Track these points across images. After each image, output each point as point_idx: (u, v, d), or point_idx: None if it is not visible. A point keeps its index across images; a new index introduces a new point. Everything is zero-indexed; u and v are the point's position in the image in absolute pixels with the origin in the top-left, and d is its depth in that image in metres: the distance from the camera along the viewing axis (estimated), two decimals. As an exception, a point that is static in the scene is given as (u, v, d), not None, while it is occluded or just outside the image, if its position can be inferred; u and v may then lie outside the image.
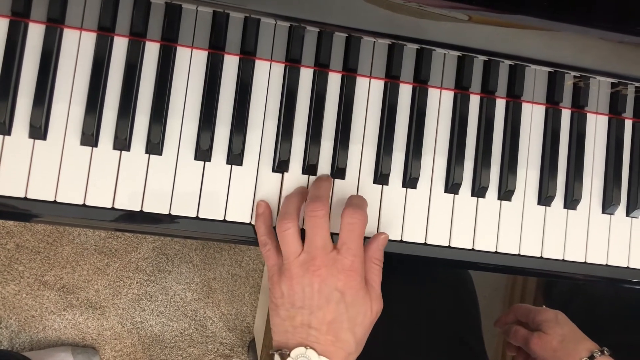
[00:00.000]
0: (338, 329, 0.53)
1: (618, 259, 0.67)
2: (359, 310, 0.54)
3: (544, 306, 0.75)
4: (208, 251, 1.38)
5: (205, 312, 1.37)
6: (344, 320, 0.53)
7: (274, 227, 0.58)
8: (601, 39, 0.53)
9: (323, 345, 0.52)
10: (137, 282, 1.35)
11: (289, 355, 0.52)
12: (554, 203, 0.65)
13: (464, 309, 0.82)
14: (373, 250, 0.57)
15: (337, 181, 0.61)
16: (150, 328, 1.35)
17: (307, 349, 0.52)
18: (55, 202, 0.56)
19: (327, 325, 0.53)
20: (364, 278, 0.55)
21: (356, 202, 0.57)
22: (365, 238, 0.59)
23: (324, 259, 0.53)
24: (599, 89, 0.67)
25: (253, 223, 0.59)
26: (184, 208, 0.58)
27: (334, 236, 0.58)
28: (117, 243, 1.34)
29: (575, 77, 0.66)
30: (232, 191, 0.59)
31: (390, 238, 0.61)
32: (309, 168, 0.60)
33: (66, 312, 1.31)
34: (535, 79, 0.66)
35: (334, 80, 0.61)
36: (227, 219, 0.59)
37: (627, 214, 0.67)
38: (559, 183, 0.65)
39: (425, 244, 0.63)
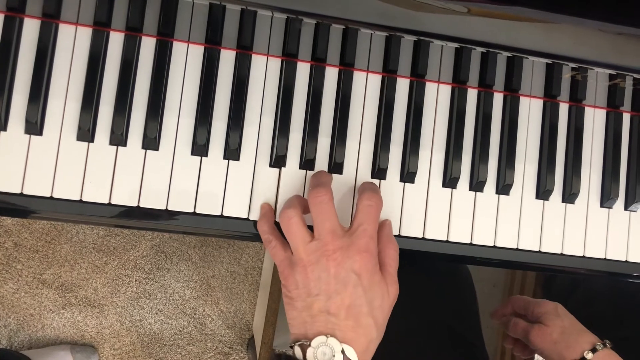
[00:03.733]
0: (358, 314, 0.52)
1: (616, 253, 0.67)
2: (376, 293, 0.53)
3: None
4: (207, 249, 1.38)
5: (204, 310, 1.37)
6: (362, 304, 0.52)
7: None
8: (599, 30, 0.53)
9: (343, 331, 0.51)
10: (135, 280, 1.34)
11: (309, 345, 0.51)
12: (552, 197, 0.65)
13: (463, 304, 0.82)
14: (387, 235, 0.57)
15: (335, 176, 0.61)
16: (149, 326, 1.35)
17: (327, 337, 0.51)
18: (51, 197, 0.55)
19: (345, 310, 0.51)
20: (377, 262, 0.54)
21: (372, 187, 0.57)
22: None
23: (337, 242, 0.52)
24: (597, 82, 0.67)
25: (251, 218, 0.59)
26: (181, 203, 0.57)
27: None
28: (116, 241, 1.34)
29: (573, 69, 0.66)
30: (229, 186, 0.59)
31: (389, 232, 0.61)
32: (307, 163, 0.60)
33: (65, 311, 1.31)
34: (533, 72, 0.66)
35: (331, 75, 0.61)
36: (224, 214, 0.58)
37: (626, 208, 0.67)
38: (557, 177, 0.65)
39: (423, 238, 0.62)
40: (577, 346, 0.66)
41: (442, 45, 0.63)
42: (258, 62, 0.60)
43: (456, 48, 0.63)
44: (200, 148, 0.58)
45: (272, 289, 1.15)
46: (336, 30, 0.61)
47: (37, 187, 0.55)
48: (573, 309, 0.71)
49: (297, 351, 0.52)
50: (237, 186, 0.59)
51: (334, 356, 0.50)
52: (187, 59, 0.58)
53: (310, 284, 0.52)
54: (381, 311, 0.54)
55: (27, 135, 0.55)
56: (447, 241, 0.63)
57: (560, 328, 0.67)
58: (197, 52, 0.59)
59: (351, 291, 0.52)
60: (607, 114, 0.68)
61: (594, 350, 0.65)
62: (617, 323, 0.81)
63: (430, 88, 0.63)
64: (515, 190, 0.64)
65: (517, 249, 0.64)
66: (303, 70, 0.61)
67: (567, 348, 0.66)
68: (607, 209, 0.67)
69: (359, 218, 0.54)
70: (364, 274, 0.52)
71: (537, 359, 0.84)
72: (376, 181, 0.62)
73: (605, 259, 0.66)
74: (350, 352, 0.51)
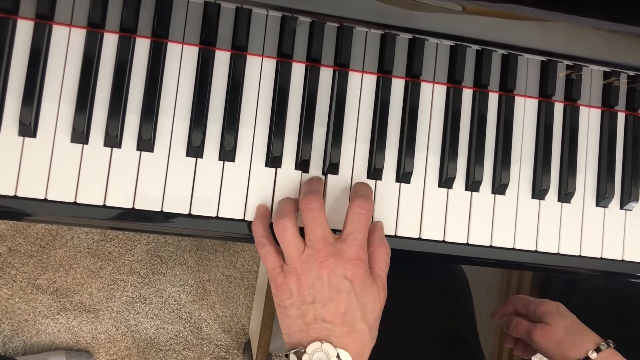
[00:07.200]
0: (352, 319, 0.53)
1: (612, 252, 0.67)
2: (368, 298, 0.54)
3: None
4: (202, 253, 1.37)
5: (200, 314, 1.36)
6: (356, 309, 0.53)
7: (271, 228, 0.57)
8: (594, 28, 0.53)
9: (339, 337, 0.52)
10: (131, 285, 1.34)
11: (304, 352, 0.51)
12: (548, 196, 0.65)
13: (459, 305, 0.82)
14: (379, 238, 0.57)
15: (331, 177, 0.60)
16: (144, 331, 1.34)
17: (322, 343, 0.51)
18: (45, 200, 0.55)
19: (340, 317, 0.52)
20: (368, 268, 0.55)
21: (364, 193, 0.57)
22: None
23: (329, 249, 0.53)
24: (591, 81, 0.67)
25: (247, 219, 0.58)
26: (176, 205, 0.57)
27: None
28: (111, 245, 1.34)
29: (567, 68, 0.66)
30: (225, 188, 0.58)
31: (385, 233, 0.60)
32: (302, 163, 0.60)
33: (60, 316, 1.30)
34: (528, 72, 0.66)
35: (326, 75, 0.61)
36: (220, 215, 0.58)
37: (621, 207, 0.67)
38: (553, 176, 0.65)
39: (419, 238, 0.62)
40: (581, 346, 0.65)
41: (437, 44, 0.63)
42: (253, 63, 0.60)
43: (451, 47, 0.63)
44: (195, 149, 0.57)
45: (268, 292, 1.14)
46: (331, 31, 0.61)
47: (31, 189, 0.55)
48: (571, 310, 0.71)
49: (293, 359, 0.52)
50: (232, 187, 0.58)
51: None
52: (181, 60, 0.58)
53: (304, 292, 0.53)
54: (373, 315, 0.55)
55: (21, 137, 0.55)
56: (443, 241, 0.63)
57: (564, 328, 0.67)
58: (191, 53, 0.58)
59: (345, 298, 0.53)
60: (602, 113, 0.68)
61: (597, 350, 0.64)
62: (617, 323, 0.81)
63: (426, 88, 0.63)
64: (511, 190, 0.64)
65: (513, 249, 0.64)
66: (298, 71, 0.61)
67: (571, 348, 0.66)
68: (602, 208, 0.67)
69: (349, 227, 0.55)
70: (356, 280, 0.53)
71: (536, 359, 0.84)
72: (372, 182, 0.61)
73: (601, 258, 0.66)
74: (345, 356, 0.52)
